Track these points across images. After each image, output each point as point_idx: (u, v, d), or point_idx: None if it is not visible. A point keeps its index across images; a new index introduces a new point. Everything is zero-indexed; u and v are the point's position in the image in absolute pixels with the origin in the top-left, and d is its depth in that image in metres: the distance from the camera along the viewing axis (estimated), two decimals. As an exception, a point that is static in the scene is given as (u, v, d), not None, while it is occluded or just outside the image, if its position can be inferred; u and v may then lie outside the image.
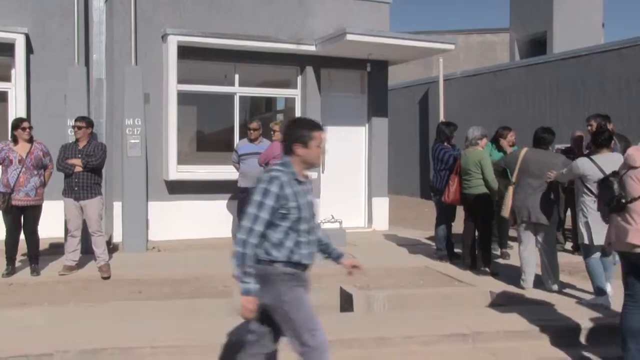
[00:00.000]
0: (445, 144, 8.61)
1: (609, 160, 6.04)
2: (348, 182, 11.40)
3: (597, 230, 6.07)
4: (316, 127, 3.66)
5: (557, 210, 7.10)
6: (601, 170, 5.97)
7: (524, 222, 6.96)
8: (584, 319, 5.84)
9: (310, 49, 10.51)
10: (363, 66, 11.07)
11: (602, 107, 12.14)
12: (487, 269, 7.82)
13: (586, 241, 6.25)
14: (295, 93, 11.11)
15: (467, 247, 8.04)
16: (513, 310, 6.27)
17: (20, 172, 7.19)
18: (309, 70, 10.87)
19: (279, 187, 3.49)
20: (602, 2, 19.96)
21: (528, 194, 6.88)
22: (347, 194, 11.35)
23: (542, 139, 7.03)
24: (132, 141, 9.25)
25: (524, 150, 7.11)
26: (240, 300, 3.47)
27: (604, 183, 4.95)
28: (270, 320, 3.69)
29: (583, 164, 6.26)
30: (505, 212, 7.13)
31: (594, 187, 6.03)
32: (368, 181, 11.53)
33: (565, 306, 6.28)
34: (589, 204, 6.18)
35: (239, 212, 9.42)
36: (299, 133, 3.61)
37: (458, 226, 8.66)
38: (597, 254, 6.29)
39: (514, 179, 7.05)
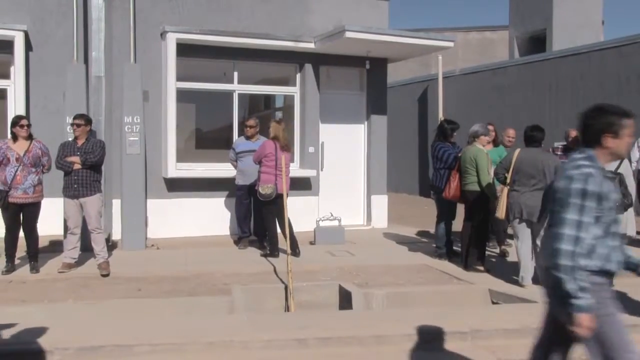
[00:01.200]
0: (446, 142, 8.62)
1: None
2: (347, 180, 11.40)
3: None
4: (627, 114, 3.23)
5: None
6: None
7: (516, 219, 7.03)
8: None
9: (309, 46, 10.50)
10: (362, 63, 11.06)
11: (601, 105, 12.14)
12: (480, 268, 7.82)
13: None
14: (294, 90, 11.11)
15: (465, 245, 8.04)
16: (512, 308, 6.29)
17: (17, 170, 7.18)
18: (308, 67, 10.87)
19: (598, 186, 3.06)
20: (602, 0, 19.94)
21: (522, 192, 6.97)
22: (346, 191, 11.35)
23: (532, 137, 7.14)
24: (131, 139, 9.25)
25: (517, 150, 7.22)
26: (576, 320, 3.04)
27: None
28: (557, 336, 3.34)
29: None
30: (500, 213, 7.21)
31: None
32: (367, 179, 11.53)
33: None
34: None
35: (237, 210, 9.43)
36: (609, 121, 3.19)
37: (458, 224, 8.66)
38: None
39: (508, 180, 7.13)
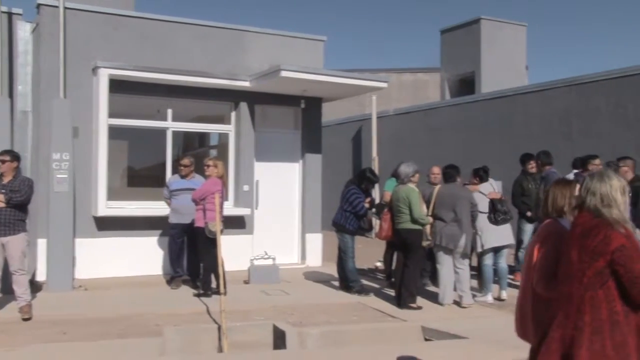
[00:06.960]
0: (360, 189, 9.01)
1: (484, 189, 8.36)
2: (282, 219, 11.36)
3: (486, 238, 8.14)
4: None
5: (465, 238, 7.86)
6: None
7: (437, 246, 7.95)
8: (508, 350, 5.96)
9: (245, 84, 10.52)
10: (297, 102, 11.16)
11: (527, 145, 12.57)
12: (413, 305, 7.86)
13: (479, 248, 8.21)
14: (229, 129, 11.06)
15: (398, 283, 8.10)
16: (444, 345, 6.36)
17: None
18: (243, 105, 10.87)
19: None
20: (526, 46, 20.93)
21: (443, 223, 7.89)
22: (280, 230, 11.30)
23: (446, 174, 8.20)
24: (59, 176, 8.95)
25: (437, 186, 8.25)
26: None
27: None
28: None
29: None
30: (424, 242, 8.03)
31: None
32: (302, 217, 11.53)
33: (490, 339, 6.39)
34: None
35: (170, 249, 9.24)
36: None
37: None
38: (491, 261, 8.23)
39: (430, 212, 8.02)
